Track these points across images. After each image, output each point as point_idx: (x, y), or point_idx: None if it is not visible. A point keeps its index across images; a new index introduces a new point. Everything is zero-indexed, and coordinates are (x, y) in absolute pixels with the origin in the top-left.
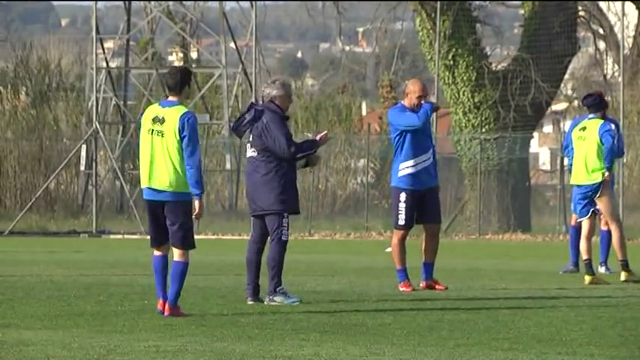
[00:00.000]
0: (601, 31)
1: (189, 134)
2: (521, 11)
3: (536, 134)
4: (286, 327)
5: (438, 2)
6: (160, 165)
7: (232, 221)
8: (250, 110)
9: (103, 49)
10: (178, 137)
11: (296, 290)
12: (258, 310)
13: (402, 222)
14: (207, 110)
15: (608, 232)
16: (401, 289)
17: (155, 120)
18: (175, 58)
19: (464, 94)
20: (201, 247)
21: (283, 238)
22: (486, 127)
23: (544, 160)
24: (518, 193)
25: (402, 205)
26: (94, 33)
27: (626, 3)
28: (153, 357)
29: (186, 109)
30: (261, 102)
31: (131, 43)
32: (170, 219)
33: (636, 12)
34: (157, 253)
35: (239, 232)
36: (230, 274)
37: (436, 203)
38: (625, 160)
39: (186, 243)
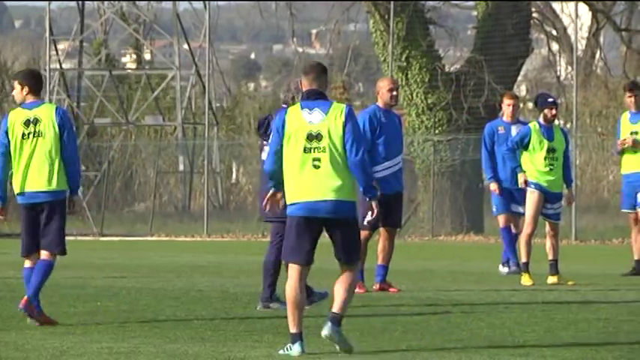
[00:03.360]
0: (554, 32)
1: (69, 128)
2: (475, 13)
3: None
4: (239, 328)
5: (392, 4)
6: (40, 166)
7: (185, 223)
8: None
9: (57, 50)
10: (59, 133)
11: (252, 292)
12: (210, 311)
13: (367, 223)
14: (160, 112)
15: (516, 234)
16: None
17: (28, 123)
18: (129, 60)
19: (417, 96)
20: (155, 249)
21: None
22: (439, 128)
23: None
24: (472, 195)
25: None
26: (47, 34)
27: (580, 4)
28: (106, 358)
29: (55, 105)
30: (286, 105)
31: (84, 44)
32: (49, 221)
33: (589, 14)
34: (27, 264)
35: (192, 233)
36: (183, 276)
37: (400, 208)
38: (577, 162)
39: (61, 248)
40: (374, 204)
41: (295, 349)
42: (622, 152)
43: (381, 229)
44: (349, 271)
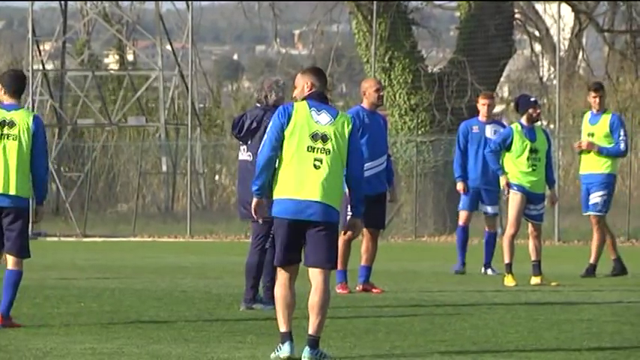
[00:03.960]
0: (537, 33)
1: (43, 138)
2: (457, 14)
3: None
4: (223, 329)
5: (375, 4)
6: (10, 169)
7: (168, 224)
8: (253, 113)
9: (40, 51)
10: (31, 140)
11: (235, 293)
12: (194, 312)
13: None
14: (143, 112)
15: (492, 234)
16: (337, 291)
17: (3, 124)
18: (112, 60)
19: (400, 97)
20: (138, 250)
21: (267, 246)
22: (422, 129)
23: None
24: (455, 196)
25: None
26: (30, 35)
27: (562, 5)
28: (89, 359)
29: (33, 113)
30: (260, 104)
31: (67, 45)
32: (12, 225)
33: (572, 14)
34: None
35: (175, 234)
36: (166, 277)
37: (383, 209)
38: (561, 163)
39: (26, 251)
40: (359, 222)
41: (285, 348)
42: (581, 152)
43: (365, 230)
44: (322, 280)
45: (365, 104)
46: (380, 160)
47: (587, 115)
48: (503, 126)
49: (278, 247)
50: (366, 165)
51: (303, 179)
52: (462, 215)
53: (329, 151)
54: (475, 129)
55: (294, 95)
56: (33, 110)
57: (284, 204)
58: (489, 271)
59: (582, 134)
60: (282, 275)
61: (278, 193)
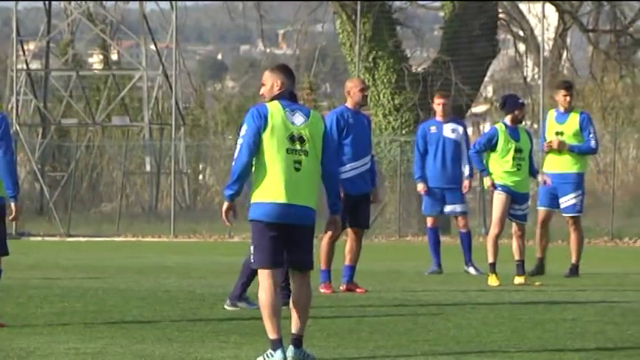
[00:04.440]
0: (521, 33)
1: (7, 138)
2: (442, 13)
3: None
4: (206, 329)
5: (359, 4)
6: None
7: (152, 223)
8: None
9: (24, 51)
10: None
11: (219, 293)
12: (177, 312)
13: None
14: (127, 112)
15: (466, 232)
16: (321, 290)
17: None
18: (96, 60)
19: (384, 97)
20: (121, 249)
21: None
22: (406, 129)
23: None
24: None
25: None
26: (14, 35)
27: (547, 5)
28: (72, 359)
29: None
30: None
31: (51, 45)
32: None
33: (556, 14)
34: None
35: (159, 234)
36: (150, 276)
37: (367, 209)
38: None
39: (5, 249)
40: (338, 219)
41: (278, 356)
42: (549, 152)
43: (349, 230)
44: (304, 281)
45: (349, 104)
46: (364, 160)
47: (553, 114)
48: (462, 124)
49: (261, 251)
50: (350, 165)
51: (285, 182)
52: (429, 219)
53: (307, 153)
54: (433, 129)
55: (261, 93)
56: (17, 110)
57: (267, 208)
58: (471, 270)
59: (547, 133)
60: (267, 280)
61: (260, 197)
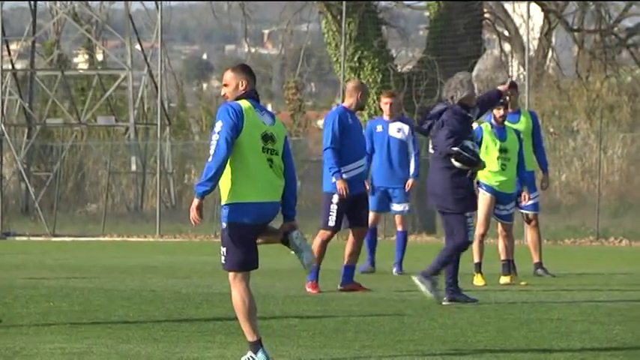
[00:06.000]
0: (506, 33)
1: None
2: (427, 13)
3: None
4: (192, 329)
5: (344, 4)
6: None
7: (137, 223)
8: (436, 110)
9: (9, 50)
10: None
11: (204, 292)
12: (163, 312)
13: (332, 223)
14: (113, 112)
15: (403, 232)
16: (307, 290)
17: None
18: (81, 60)
19: (369, 96)
20: (107, 249)
21: (470, 239)
22: None
23: None
24: (423, 195)
25: (334, 207)
26: None
27: (532, 4)
28: (58, 359)
29: None
30: (445, 103)
31: (36, 44)
32: None
33: (541, 14)
34: None
35: (144, 234)
36: (135, 276)
37: (365, 208)
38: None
39: None
40: (294, 224)
41: (260, 357)
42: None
43: (350, 231)
44: None
45: (350, 105)
46: (361, 161)
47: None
48: (409, 123)
49: (239, 253)
50: (347, 166)
51: (264, 181)
52: (370, 216)
53: (277, 152)
54: (379, 129)
55: (222, 94)
56: (2, 110)
57: (246, 208)
58: (395, 270)
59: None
60: (240, 282)
61: (237, 197)
